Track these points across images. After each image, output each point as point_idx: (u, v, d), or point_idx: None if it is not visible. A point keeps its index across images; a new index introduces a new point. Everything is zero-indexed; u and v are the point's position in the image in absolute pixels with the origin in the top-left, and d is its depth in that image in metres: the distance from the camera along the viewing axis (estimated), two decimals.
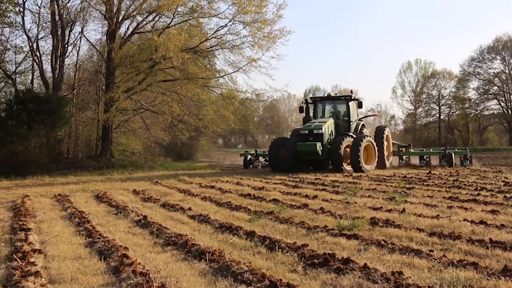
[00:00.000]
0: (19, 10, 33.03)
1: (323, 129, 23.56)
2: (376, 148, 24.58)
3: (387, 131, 27.21)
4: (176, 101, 33.80)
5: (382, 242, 7.71)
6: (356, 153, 22.98)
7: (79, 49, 37.29)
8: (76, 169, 27.99)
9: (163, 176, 23.35)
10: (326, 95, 28.00)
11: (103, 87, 33.92)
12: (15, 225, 10.20)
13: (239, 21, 31.91)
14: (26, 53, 35.16)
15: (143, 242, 8.49)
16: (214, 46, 33.33)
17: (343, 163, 23.34)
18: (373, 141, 24.69)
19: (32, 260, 6.98)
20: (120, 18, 31.83)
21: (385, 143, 26.59)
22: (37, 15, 33.38)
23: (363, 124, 26.67)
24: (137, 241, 8.61)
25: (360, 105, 25.70)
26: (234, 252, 7.59)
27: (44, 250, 7.79)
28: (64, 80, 34.97)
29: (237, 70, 33.65)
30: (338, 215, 10.44)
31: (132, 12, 31.63)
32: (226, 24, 32.23)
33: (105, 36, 33.70)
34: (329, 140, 24.06)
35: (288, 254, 7.24)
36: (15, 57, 36.08)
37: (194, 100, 34.75)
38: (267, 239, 8.11)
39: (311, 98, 27.64)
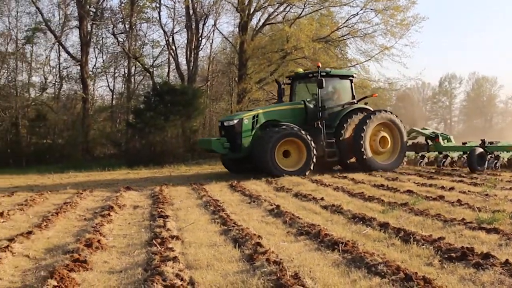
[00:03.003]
0: (155, 6, 35.02)
1: (236, 121, 18.09)
2: (312, 147, 17.84)
3: (378, 118, 19.04)
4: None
5: None
6: (267, 151, 17.36)
7: (212, 41, 38.72)
8: (210, 159, 28.77)
9: None
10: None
11: (236, 79, 34.66)
12: (154, 212, 10.62)
13: (371, 9, 31.04)
14: (162, 47, 37.08)
15: (276, 231, 8.49)
16: (346, 35, 32.76)
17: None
18: (303, 135, 17.73)
19: (170, 246, 7.18)
20: (252, 10, 32.26)
21: (380, 135, 19.16)
22: (172, 10, 35.41)
23: (354, 111, 19.42)
24: (270, 230, 8.62)
25: (320, 84, 18.11)
26: (367, 243, 7.38)
27: (181, 236, 8.00)
28: (198, 72, 36.28)
29: (369, 59, 32.92)
30: (477, 207, 9.82)
31: (263, 3, 31.98)
32: (357, 13, 31.58)
33: (237, 28, 34.48)
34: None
35: (423, 246, 6.90)
36: (152, 51, 38.26)
37: None
38: (402, 231, 7.79)
39: (287, 77, 22.20)
